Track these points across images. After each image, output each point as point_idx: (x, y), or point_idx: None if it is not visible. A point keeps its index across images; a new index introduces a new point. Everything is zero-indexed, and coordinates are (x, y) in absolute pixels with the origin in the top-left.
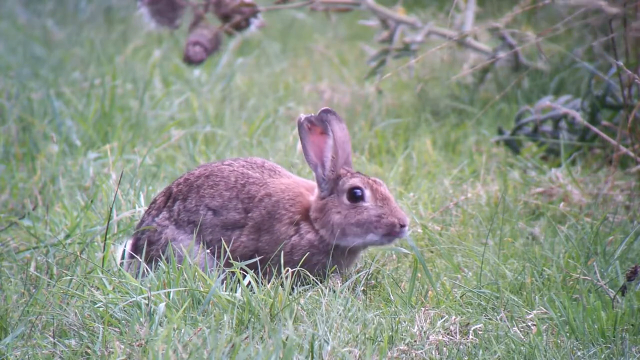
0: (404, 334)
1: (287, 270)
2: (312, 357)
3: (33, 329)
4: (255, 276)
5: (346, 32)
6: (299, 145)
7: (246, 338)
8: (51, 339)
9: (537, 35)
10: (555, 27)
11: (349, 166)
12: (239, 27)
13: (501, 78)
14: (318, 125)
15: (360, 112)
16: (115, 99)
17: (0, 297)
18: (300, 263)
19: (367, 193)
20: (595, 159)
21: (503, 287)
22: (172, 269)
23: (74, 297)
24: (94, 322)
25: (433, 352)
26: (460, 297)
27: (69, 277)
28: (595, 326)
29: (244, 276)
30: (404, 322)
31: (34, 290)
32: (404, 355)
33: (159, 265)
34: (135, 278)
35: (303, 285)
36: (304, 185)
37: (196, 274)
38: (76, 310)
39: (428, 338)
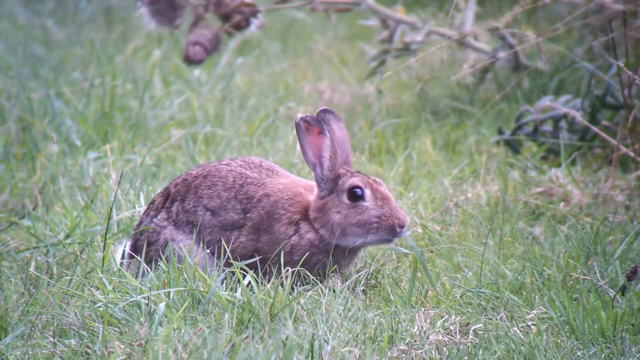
0: (404, 334)
1: (287, 270)
2: (312, 357)
3: (33, 328)
4: (255, 276)
5: (346, 32)
6: (299, 145)
7: (246, 338)
8: (51, 339)
9: (537, 35)
10: (555, 27)
11: (349, 166)
12: (239, 27)
13: (501, 78)
14: (315, 125)
15: (360, 112)
16: (115, 99)
17: (0, 297)
18: (300, 263)
19: (367, 192)
20: (595, 159)
21: (503, 287)
22: (172, 269)
23: (74, 297)
24: (94, 322)
25: (433, 352)
26: (460, 297)
27: (69, 277)
28: (595, 326)
29: (244, 276)
30: (404, 322)
31: (34, 290)
32: (404, 355)
33: (159, 265)
34: (135, 278)
35: (303, 285)
36: (302, 185)
37: (196, 274)
38: (76, 310)
39: (428, 338)
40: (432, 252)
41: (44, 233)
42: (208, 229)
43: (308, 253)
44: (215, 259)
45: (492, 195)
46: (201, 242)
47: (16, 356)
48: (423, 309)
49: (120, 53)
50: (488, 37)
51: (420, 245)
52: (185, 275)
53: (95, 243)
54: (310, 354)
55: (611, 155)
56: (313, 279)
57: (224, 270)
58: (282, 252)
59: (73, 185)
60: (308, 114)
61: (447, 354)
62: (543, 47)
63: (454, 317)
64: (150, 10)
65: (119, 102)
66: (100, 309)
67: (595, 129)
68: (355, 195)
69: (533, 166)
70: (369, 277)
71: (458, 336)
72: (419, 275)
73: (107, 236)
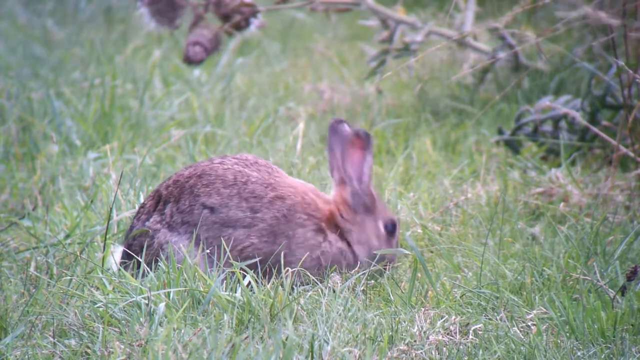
0: (404, 334)
1: (291, 273)
2: (312, 357)
3: (33, 329)
4: (254, 276)
5: (346, 32)
6: (299, 145)
7: (246, 338)
8: (51, 339)
9: (537, 35)
10: (555, 27)
11: None
12: (239, 27)
13: (501, 78)
14: (364, 139)
15: (360, 112)
16: (115, 99)
17: (0, 297)
18: (326, 267)
19: (397, 231)
20: (595, 159)
21: (503, 287)
22: (172, 269)
23: (74, 297)
24: (94, 322)
25: (433, 352)
26: (460, 297)
27: (69, 277)
28: (595, 326)
29: (245, 276)
30: (404, 322)
31: (34, 290)
32: (404, 355)
33: (159, 265)
34: None
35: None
36: (309, 189)
37: (196, 274)
38: (76, 310)
39: (428, 338)
40: (432, 252)
41: (43, 233)
42: (205, 226)
43: (338, 261)
44: (215, 257)
45: (492, 195)
46: (199, 242)
47: (16, 356)
48: (423, 309)
49: (120, 53)
50: (488, 37)
51: (420, 245)
52: (185, 276)
53: (95, 243)
54: (310, 354)
55: (611, 155)
56: (313, 279)
57: (224, 270)
58: (310, 258)
59: (73, 185)
60: (360, 128)
61: (447, 354)
62: (543, 47)
63: (454, 317)
64: (150, 10)
65: (119, 102)
66: (100, 309)
67: (595, 129)
68: (390, 229)
69: (533, 166)
70: (369, 277)
71: (458, 336)
72: (419, 275)
73: (107, 236)
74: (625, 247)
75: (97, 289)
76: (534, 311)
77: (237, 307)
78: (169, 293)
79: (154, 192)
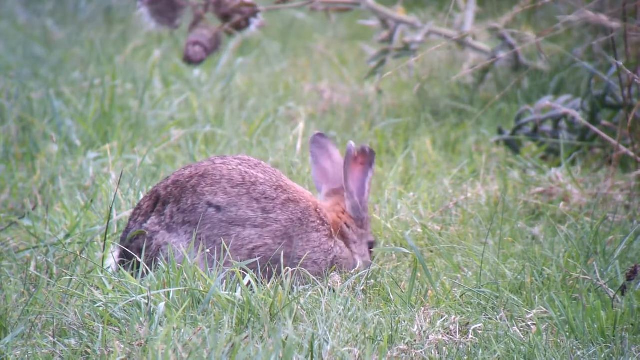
0: (403, 334)
1: (292, 273)
2: (312, 357)
3: (33, 328)
4: (254, 276)
5: (346, 32)
6: (299, 145)
7: (246, 338)
8: (51, 339)
9: (537, 35)
10: (555, 27)
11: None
12: (239, 27)
13: (501, 78)
14: (368, 156)
15: (360, 112)
16: (115, 99)
17: (0, 297)
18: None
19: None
20: (595, 159)
21: (503, 286)
22: (172, 269)
23: (74, 297)
24: (94, 321)
25: (433, 352)
26: (460, 296)
27: (68, 277)
28: (595, 326)
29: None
30: (404, 321)
31: (34, 290)
32: (403, 354)
33: (159, 265)
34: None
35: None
36: (310, 194)
37: (196, 273)
38: (76, 310)
39: (428, 337)
40: (432, 252)
41: (43, 233)
42: (209, 224)
43: (347, 266)
44: (217, 256)
45: (492, 195)
46: (200, 241)
47: (16, 356)
48: (423, 308)
49: (120, 53)
50: (488, 37)
51: (420, 245)
52: (185, 275)
53: (95, 243)
54: (310, 353)
55: (611, 155)
56: (314, 279)
57: (227, 269)
58: (324, 261)
59: (73, 185)
60: (365, 145)
61: (447, 353)
62: (543, 47)
63: (453, 316)
64: (150, 10)
65: (119, 102)
66: (100, 308)
67: (595, 128)
68: (370, 248)
69: (533, 166)
70: (368, 276)
71: (458, 336)
72: (419, 275)
73: (107, 236)
74: (625, 246)
75: (97, 288)
76: (534, 311)
77: (237, 307)
78: (168, 293)
79: (150, 192)
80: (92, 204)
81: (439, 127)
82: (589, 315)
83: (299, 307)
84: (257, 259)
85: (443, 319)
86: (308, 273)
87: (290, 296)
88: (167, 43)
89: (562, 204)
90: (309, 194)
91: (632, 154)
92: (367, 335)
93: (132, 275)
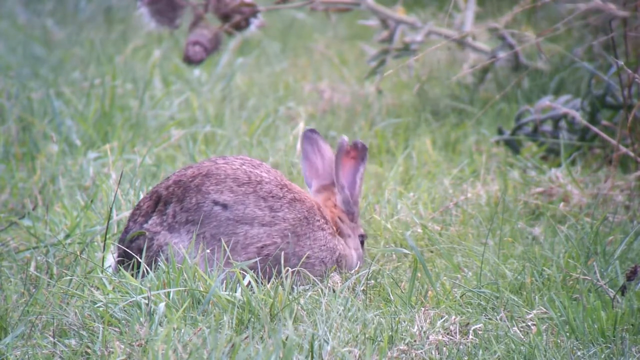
0: (403, 334)
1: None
2: (312, 357)
3: (33, 328)
4: (254, 275)
5: (346, 32)
6: (299, 145)
7: (246, 338)
8: (51, 339)
9: (537, 35)
10: (555, 27)
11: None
12: (239, 27)
13: (501, 78)
14: (360, 150)
15: (360, 112)
16: (115, 99)
17: (0, 297)
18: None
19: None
20: (595, 159)
21: (503, 287)
22: (172, 269)
23: (74, 297)
24: (94, 322)
25: (433, 352)
26: (460, 297)
27: (69, 277)
28: (595, 326)
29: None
30: (404, 322)
31: (34, 290)
32: (403, 355)
33: (159, 265)
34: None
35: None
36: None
37: (196, 274)
38: (76, 310)
39: (428, 338)
40: (432, 252)
41: (44, 233)
42: (215, 223)
43: (349, 263)
44: (222, 254)
45: (492, 195)
46: (202, 239)
47: (16, 356)
48: (423, 309)
49: (120, 53)
50: (488, 37)
51: (420, 245)
52: (185, 276)
53: (95, 243)
54: (310, 354)
55: (611, 155)
56: (314, 279)
57: (227, 269)
58: (331, 258)
59: (73, 185)
60: (359, 140)
61: (447, 354)
62: (543, 47)
63: (454, 317)
64: (150, 10)
65: (119, 102)
66: (100, 309)
67: (595, 129)
68: (361, 242)
69: (533, 166)
70: (369, 277)
71: (458, 336)
72: (419, 275)
73: (107, 236)
74: (625, 247)
75: (97, 288)
76: (534, 311)
77: (237, 307)
78: (169, 293)
79: (150, 193)
80: (92, 204)
81: (439, 127)
82: (589, 315)
83: (299, 308)
84: (265, 257)
85: (443, 319)
86: (315, 273)
87: (290, 296)
88: (167, 43)
89: (562, 204)
90: (309, 194)
91: (632, 154)
92: (367, 336)
93: (132, 275)
